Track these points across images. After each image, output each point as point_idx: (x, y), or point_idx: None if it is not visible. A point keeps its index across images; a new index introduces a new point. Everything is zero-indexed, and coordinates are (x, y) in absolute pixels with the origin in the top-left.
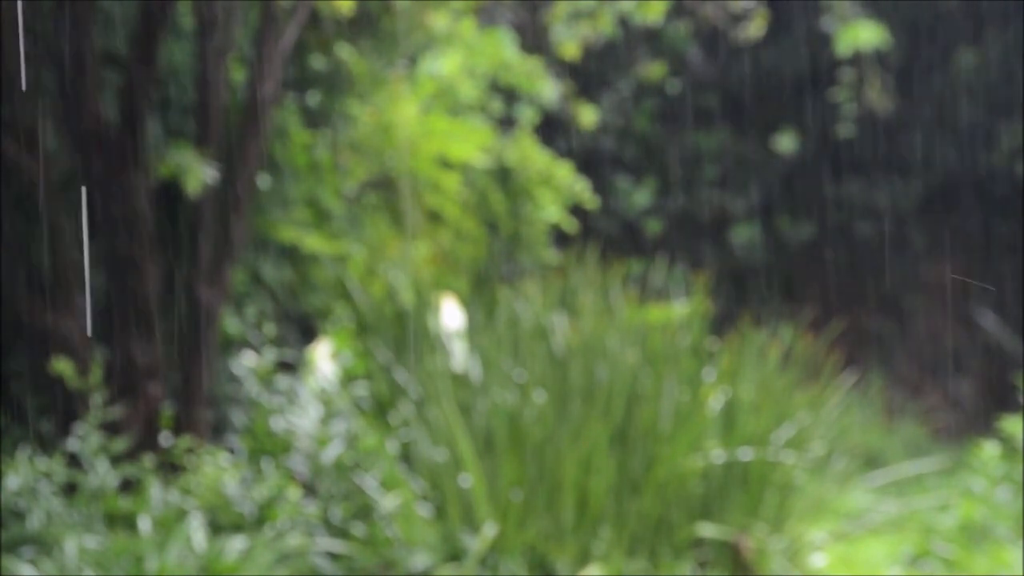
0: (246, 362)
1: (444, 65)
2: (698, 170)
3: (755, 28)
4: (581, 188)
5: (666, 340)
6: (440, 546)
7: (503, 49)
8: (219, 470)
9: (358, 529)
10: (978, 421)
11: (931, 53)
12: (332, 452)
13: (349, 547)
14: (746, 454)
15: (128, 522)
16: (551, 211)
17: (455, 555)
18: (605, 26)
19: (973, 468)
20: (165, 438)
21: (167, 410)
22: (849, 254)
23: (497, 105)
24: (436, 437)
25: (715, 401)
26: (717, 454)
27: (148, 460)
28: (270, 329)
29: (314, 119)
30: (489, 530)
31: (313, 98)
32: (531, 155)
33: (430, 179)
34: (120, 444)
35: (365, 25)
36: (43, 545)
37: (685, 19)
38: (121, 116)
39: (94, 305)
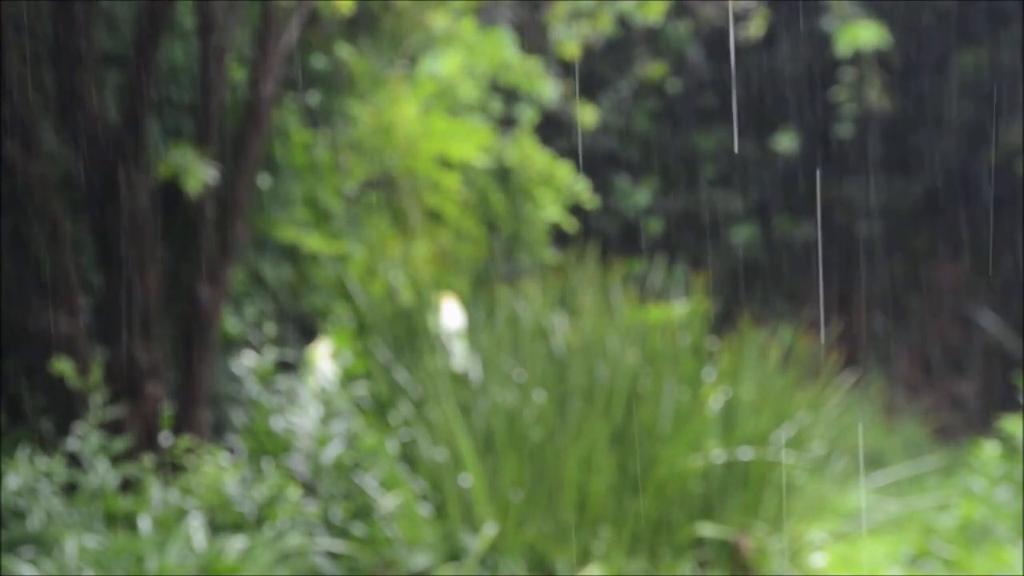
0: (246, 362)
1: (444, 65)
2: (698, 170)
3: (755, 28)
4: (581, 188)
5: (666, 340)
6: (440, 546)
7: (503, 49)
8: (219, 470)
9: (358, 529)
10: (978, 421)
11: (931, 53)
12: (332, 452)
13: (349, 547)
14: (746, 454)
15: (128, 522)
16: (551, 211)
17: (455, 555)
18: (605, 26)
19: (973, 468)
20: (165, 438)
21: (167, 410)
22: (849, 254)
23: (497, 105)
24: (436, 437)
25: (715, 401)
26: (717, 454)
27: (148, 460)
28: (270, 329)
29: (314, 119)
30: (489, 530)
31: (313, 98)
32: (531, 155)
33: (430, 179)
34: (120, 444)
35: (365, 25)
36: (43, 545)
37: (685, 19)
38: (121, 116)
39: (94, 305)
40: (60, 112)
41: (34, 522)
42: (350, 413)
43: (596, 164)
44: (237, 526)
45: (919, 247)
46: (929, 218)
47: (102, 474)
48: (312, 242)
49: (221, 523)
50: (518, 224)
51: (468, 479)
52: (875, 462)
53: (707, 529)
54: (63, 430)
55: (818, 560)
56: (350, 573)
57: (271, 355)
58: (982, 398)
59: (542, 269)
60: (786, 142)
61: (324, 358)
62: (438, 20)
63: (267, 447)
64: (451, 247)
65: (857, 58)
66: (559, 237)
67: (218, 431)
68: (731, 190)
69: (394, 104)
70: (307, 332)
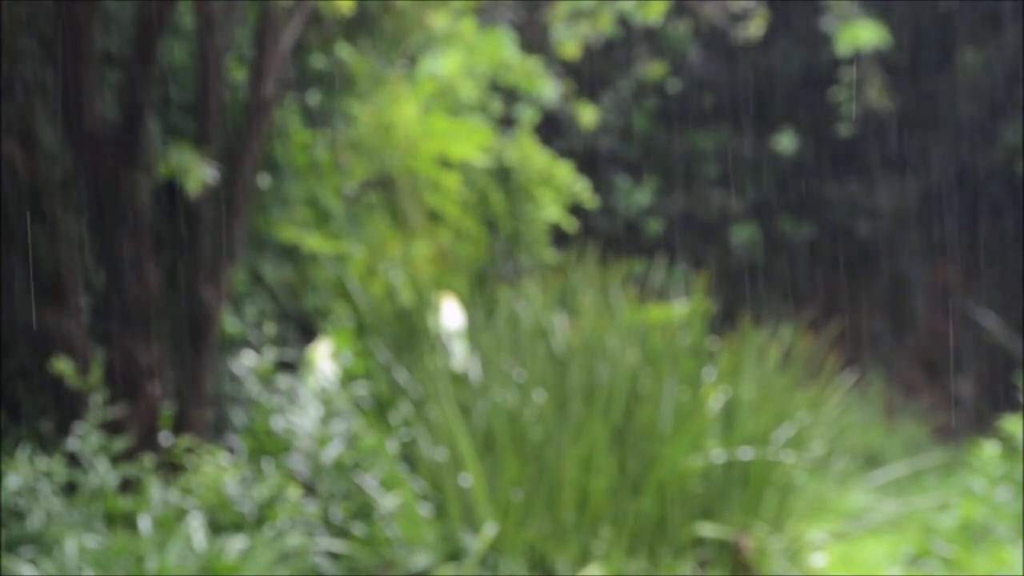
0: (246, 362)
1: (444, 65)
2: (698, 170)
3: (755, 28)
4: (581, 188)
5: (666, 340)
6: (440, 546)
7: (503, 49)
8: (219, 470)
9: (358, 529)
10: (978, 421)
11: (931, 53)
12: (332, 452)
13: (349, 547)
14: (746, 454)
15: (128, 522)
16: (551, 211)
17: (455, 555)
18: (605, 26)
19: (973, 468)
20: (165, 438)
21: (167, 410)
22: (849, 254)
23: (497, 105)
24: (436, 437)
25: (715, 401)
26: (717, 454)
27: (148, 460)
28: (270, 329)
29: (314, 119)
30: (489, 530)
31: (313, 98)
32: (531, 155)
33: (430, 179)
34: (120, 444)
35: (365, 25)
36: (43, 545)
37: (685, 19)
38: (121, 116)
39: (94, 305)
40: (60, 112)
41: (34, 522)
42: (350, 413)
43: (596, 164)
44: (237, 526)
45: (919, 247)
46: (929, 218)
47: (102, 474)
48: (312, 242)
49: (221, 523)
50: (518, 224)
51: (468, 479)
52: (875, 462)
53: (707, 529)
54: (63, 430)
55: (818, 560)
56: (350, 573)
57: (271, 355)
58: (982, 398)
59: (542, 269)
60: (786, 142)
61: (324, 358)
62: (438, 20)
63: (267, 447)
64: (451, 247)
65: (857, 58)
66: (559, 237)
67: (218, 431)
68: (731, 190)
69: (394, 104)
70: (307, 332)
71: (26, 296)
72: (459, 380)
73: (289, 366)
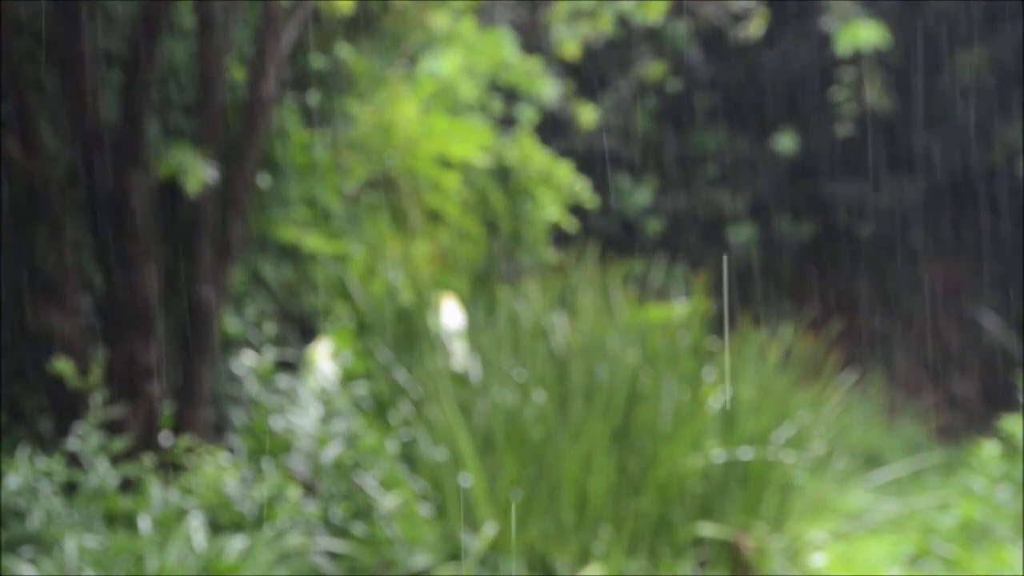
0: (246, 361)
1: (444, 65)
2: (698, 170)
3: (755, 28)
4: (581, 188)
5: (666, 340)
6: (440, 546)
7: (503, 49)
8: (219, 469)
9: (358, 529)
10: (978, 421)
11: (931, 53)
12: (332, 452)
13: (349, 546)
14: (746, 454)
15: (128, 522)
16: (551, 210)
17: (455, 555)
18: (605, 26)
19: (973, 467)
20: (165, 438)
21: (167, 410)
22: (849, 254)
23: (497, 105)
24: (436, 437)
25: (715, 401)
26: (717, 454)
27: (148, 460)
28: (270, 328)
29: (314, 119)
30: (489, 530)
31: (313, 98)
32: (531, 155)
33: (430, 179)
34: (120, 444)
35: (365, 25)
36: (43, 545)
37: (685, 19)
38: (121, 116)
39: (94, 305)
40: (60, 112)
41: (34, 522)
42: (350, 413)
43: (596, 164)
44: (237, 526)
45: (919, 247)
46: (929, 218)
47: (102, 474)
48: (312, 242)
49: (221, 523)
50: (518, 224)
51: (468, 479)
52: (875, 461)
53: (707, 529)
54: (63, 430)
55: (818, 560)
56: (350, 573)
57: (271, 355)
58: (982, 398)
59: (542, 269)
60: (786, 142)
61: (324, 358)
62: (438, 20)
63: (267, 447)
64: (451, 247)
65: (857, 58)
66: (559, 237)
67: (218, 431)
68: (731, 190)
69: (394, 104)
70: (307, 332)
71: (26, 296)
72: (459, 380)
73: (289, 366)
